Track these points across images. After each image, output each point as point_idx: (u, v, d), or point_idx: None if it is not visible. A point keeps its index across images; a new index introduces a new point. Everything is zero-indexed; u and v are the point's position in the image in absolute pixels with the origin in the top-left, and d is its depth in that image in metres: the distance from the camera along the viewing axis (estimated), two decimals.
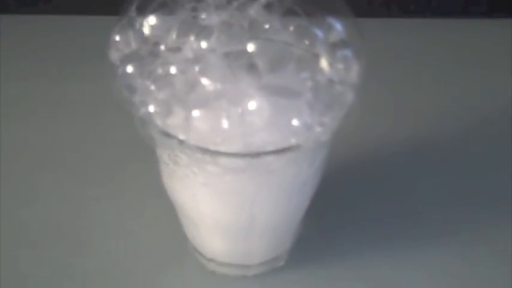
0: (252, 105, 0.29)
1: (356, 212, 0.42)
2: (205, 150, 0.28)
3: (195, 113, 0.29)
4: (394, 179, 0.45)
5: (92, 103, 0.50)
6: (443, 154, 0.47)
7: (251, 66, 0.30)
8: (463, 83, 0.53)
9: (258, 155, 0.28)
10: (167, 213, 0.38)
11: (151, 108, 0.30)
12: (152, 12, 0.31)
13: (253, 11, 0.31)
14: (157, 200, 0.38)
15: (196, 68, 0.30)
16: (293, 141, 0.28)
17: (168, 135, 0.29)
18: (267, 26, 0.30)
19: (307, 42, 0.31)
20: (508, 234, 0.41)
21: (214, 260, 0.38)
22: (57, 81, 0.52)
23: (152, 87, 0.30)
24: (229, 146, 0.29)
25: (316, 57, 0.30)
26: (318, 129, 0.28)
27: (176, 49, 0.31)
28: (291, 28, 0.31)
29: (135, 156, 0.42)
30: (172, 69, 0.30)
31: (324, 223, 0.41)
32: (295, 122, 0.28)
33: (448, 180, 0.45)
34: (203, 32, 0.30)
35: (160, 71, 0.30)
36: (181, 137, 0.29)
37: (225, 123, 0.29)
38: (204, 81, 0.30)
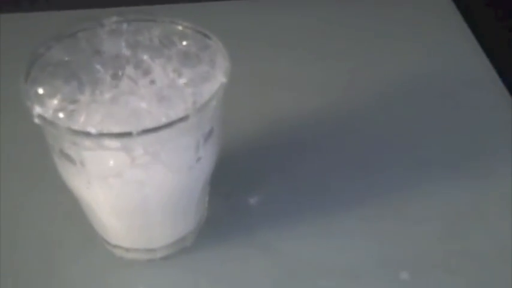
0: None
1: (263, 190, 0.43)
2: (87, 134, 0.29)
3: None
4: (299, 154, 0.46)
5: None
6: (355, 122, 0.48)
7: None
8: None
9: (136, 133, 0.28)
10: (74, 205, 0.38)
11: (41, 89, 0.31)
12: None
13: None
14: (64, 193, 0.37)
15: None
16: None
17: (51, 123, 0.30)
18: None
19: None
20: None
21: (119, 246, 0.38)
22: None
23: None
24: (111, 128, 0.29)
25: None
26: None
27: None
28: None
29: (40, 151, 0.42)
30: None
31: (230, 203, 0.42)
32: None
33: (352, 152, 0.46)
34: None
35: None
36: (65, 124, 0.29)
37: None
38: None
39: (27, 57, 0.33)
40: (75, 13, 0.58)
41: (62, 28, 0.35)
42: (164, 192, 0.33)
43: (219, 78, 0.32)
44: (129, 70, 0.32)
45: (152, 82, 0.32)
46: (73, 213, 0.39)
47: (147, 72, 0.32)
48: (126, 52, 0.33)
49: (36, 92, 0.31)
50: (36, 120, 0.30)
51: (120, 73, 0.32)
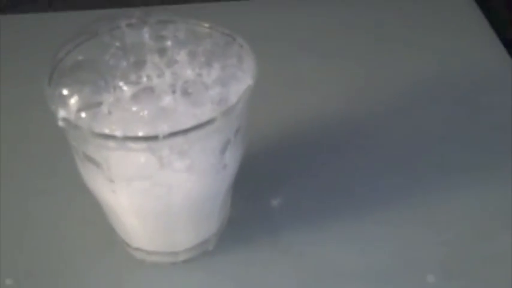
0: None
1: (286, 192, 0.42)
2: (113, 137, 0.28)
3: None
4: (323, 155, 0.45)
5: (19, 100, 0.50)
6: (369, 127, 0.48)
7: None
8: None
9: (163, 136, 0.28)
10: (95, 208, 0.37)
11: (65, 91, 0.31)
12: None
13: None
14: (84, 195, 0.37)
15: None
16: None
17: (76, 126, 0.29)
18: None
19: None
20: (437, 203, 0.42)
21: (140, 249, 0.37)
22: None
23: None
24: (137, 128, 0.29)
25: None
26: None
27: None
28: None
29: (61, 154, 0.42)
30: None
31: (253, 205, 0.41)
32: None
33: (376, 155, 0.45)
34: None
35: None
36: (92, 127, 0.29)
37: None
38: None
39: (49, 59, 0.33)
40: (94, 13, 0.58)
41: (83, 27, 0.34)
42: (190, 194, 0.32)
43: (247, 80, 0.31)
44: (153, 57, 0.32)
45: (175, 74, 0.31)
46: (93, 215, 0.39)
47: (171, 63, 0.32)
48: (150, 42, 0.33)
49: (60, 94, 0.30)
50: (61, 123, 0.30)
51: (143, 60, 0.31)
